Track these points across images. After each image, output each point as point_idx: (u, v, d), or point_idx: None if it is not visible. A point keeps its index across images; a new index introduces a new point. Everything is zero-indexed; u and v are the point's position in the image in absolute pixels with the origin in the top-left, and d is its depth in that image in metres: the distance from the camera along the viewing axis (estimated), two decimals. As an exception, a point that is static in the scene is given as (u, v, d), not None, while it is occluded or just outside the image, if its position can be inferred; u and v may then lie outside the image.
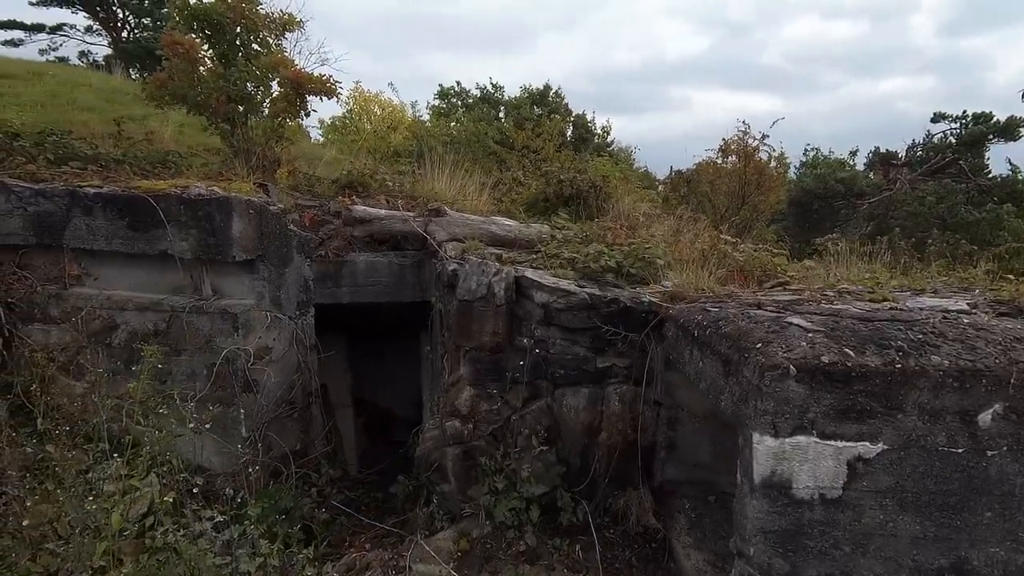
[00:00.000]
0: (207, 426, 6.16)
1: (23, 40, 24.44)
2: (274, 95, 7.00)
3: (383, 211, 6.55)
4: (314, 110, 6.93)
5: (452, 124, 22.26)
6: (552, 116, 24.61)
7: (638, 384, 4.53)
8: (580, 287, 4.60)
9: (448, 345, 4.99)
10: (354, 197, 6.80)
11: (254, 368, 6.10)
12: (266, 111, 7.44)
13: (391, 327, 10.10)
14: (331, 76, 6.92)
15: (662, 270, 4.87)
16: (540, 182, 7.40)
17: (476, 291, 4.61)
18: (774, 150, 12.99)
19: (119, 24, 24.44)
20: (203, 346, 6.03)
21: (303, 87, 6.74)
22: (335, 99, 7.08)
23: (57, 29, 23.77)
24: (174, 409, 6.10)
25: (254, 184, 6.86)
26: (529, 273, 4.69)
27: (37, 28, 23.86)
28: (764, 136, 12.59)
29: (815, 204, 15.95)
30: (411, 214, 6.54)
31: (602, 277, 4.95)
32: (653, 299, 4.41)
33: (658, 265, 4.85)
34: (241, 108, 7.12)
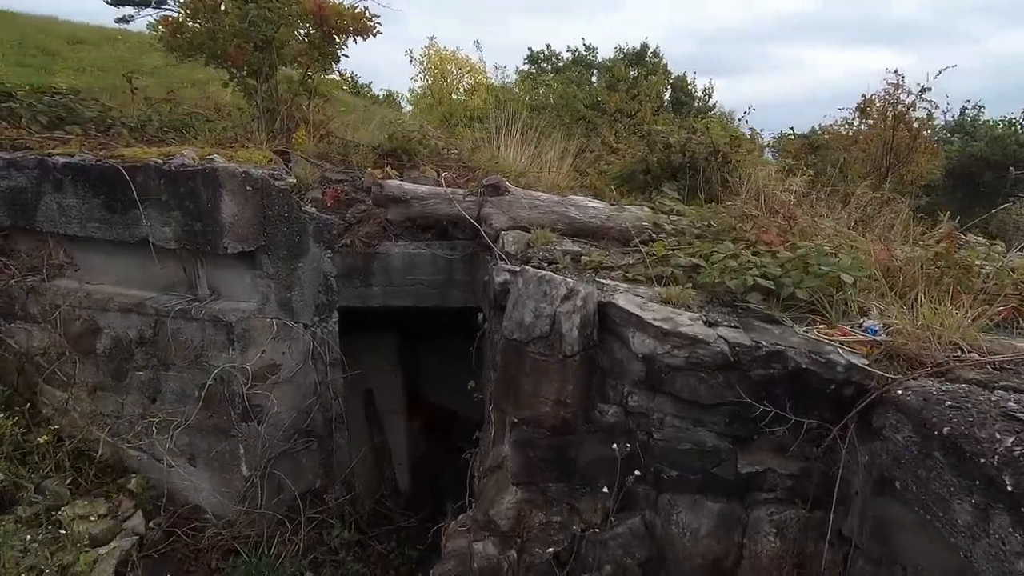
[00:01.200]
0: (196, 462, 4.74)
1: (132, 16, 24.61)
2: (299, 38, 5.28)
3: (424, 188, 4.74)
4: (345, 55, 5.13)
5: (540, 90, 20.04)
6: (649, 78, 21.76)
7: (816, 508, 2.47)
8: (709, 324, 2.55)
9: (491, 400, 3.13)
10: (389, 169, 5.01)
11: (255, 392, 4.54)
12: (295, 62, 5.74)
13: (443, 326, 8.41)
14: (366, 9, 5.09)
15: (854, 296, 2.70)
16: (640, 148, 5.26)
17: (532, 327, 2.69)
18: (936, 106, 9.82)
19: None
20: (192, 361, 4.54)
21: (328, 23, 4.98)
22: (371, 36, 5.25)
23: (162, 2, 23.65)
24: (165, 435, 4.70)
25: (273, 152, 5.23)
26: (622, 300, 2.70)
27: (143, 3, 23.86)
28: (924, 89, 9.47)
29: (985, 174, 12.40)
30: (459, 191, 4.67)
31: (743, 302, 2.85)
32: (858, 360, 2.30)
33: (847, 287, 2.68)
34: (262, 56, 5.45)
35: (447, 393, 9.98)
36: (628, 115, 14.76)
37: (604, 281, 3.15)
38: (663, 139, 5.18)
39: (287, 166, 5.14)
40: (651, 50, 24.99)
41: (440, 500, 7.62)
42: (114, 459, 4.89)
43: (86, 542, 4.44)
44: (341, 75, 5.98)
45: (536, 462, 2.67)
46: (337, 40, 5.27)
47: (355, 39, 5.36)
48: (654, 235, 4.04)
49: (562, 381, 2.61)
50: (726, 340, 2.45)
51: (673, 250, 3.46)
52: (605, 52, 25.11)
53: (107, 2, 17.68)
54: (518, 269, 3.09)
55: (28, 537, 4.25)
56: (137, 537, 4.57)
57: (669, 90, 23.76)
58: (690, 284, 3.10)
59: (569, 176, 5.40)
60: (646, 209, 4.68)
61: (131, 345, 4.70)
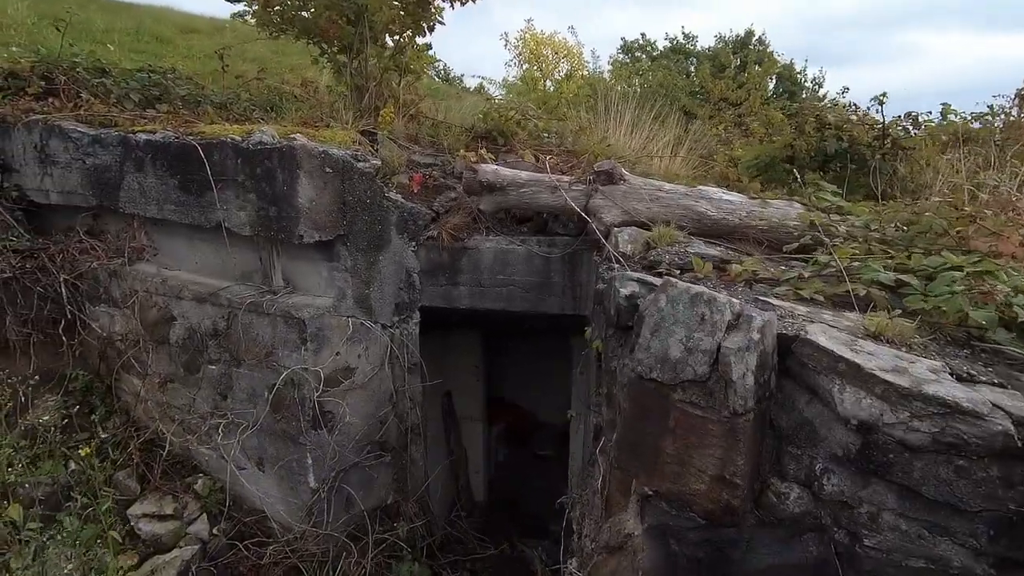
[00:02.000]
0: (264, 467, 4.29)
1: (247, 11, 25.54)
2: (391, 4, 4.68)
3: (523, 174, 4.00)
4: (440, 22, 4.47)
5: (635, 80, 18.81)
6: (755, 66, 19.96)
7: None
8: (961, 379, 1.61)
9: (609, 454, 2.33)
10: (483, 151, 4.31)
11: (327, 397, 4.01)
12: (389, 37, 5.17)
13: (533, 330, 7.68)
14: (465, -31, 4.40)
15: None
16: (785, 133, 4.23)
17: (681, 365, 1.87)
18: None
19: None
20: (263, 359, 4.06)
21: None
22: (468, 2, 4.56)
23: None
24: (235, 435, 4.29)
25: (359, 133, 4.68)
26: (819, 335, 1.82)
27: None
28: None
29: None
30: (565, 178, 3.89)
31: (985, 341, 1.89)
32: None
33: None
34: (354, 29, 4.92)
35: (529, 395, 9.29)
36: (734, 104, 13.39)
37: (772, 301, 2.27)
38: (813, 119, 4.13)
39: (373, 148, 4.57)
40: (756, 37, 23.04)
41: (518, 520, 6.96)
42: (183, 455, 4.54)
43: (151, 548, 4.11)
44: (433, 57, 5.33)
45: (682, 562, 1.86)
46: (432, 5, 4.63)
47: (452, 4, 4.69)
48: (821, 238, 3.07)
49: (728, 449, 1.78)
50: (1007, 412, 1.52)
51: (862, 260, 2.50)
52: (705, 41, 23.39)
53: (225, -2, 18.20)
54: (657, 281, 2.28)
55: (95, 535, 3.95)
56: (200, 544, 4.18)
57: (774, 80, 21.77)
58: (898, 312, 2.15)
59: (689, 164, 4.47)
60: (796, 205, 3.68)
61: (204, 337, 4.31)
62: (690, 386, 1.85)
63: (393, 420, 4.41)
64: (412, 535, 4.53)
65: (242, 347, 4.14)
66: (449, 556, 4.64)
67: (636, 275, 2.42)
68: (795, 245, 3.05)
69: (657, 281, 2.37)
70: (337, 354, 4.09)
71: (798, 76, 22.83)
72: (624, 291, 2.37)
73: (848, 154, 4.14)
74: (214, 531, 4.28)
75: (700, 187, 3.78)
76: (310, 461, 4.14)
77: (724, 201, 3.70)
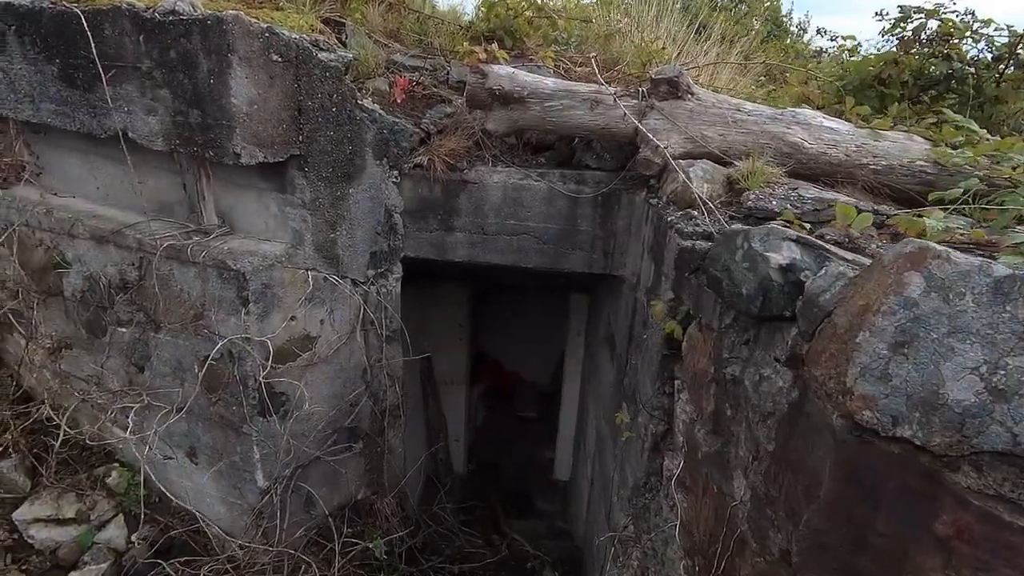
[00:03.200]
0: (197, 458, 3.28)
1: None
2: None
3: (548, 80, 2.90)
4: None
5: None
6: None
7: None
8: None
9: (739, 521, 1.40)
10: (496, 49, 3.15)
11: (279, 376, 2.97)
12: None
13: (531, 285, 6.69)
14: None
15: None
16: (886, 51, 3.18)
17: (981, 416, 0.92)
18: None
19: None
20: (189, 324, 2.96)
21: None
22: None
23: None
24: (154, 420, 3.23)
25: (322, 21, 3.42)
26: None
27: None
28: None
29: None
30: (610, 89, 2.80)
31: None
32: None
33: None
34: None
35: (513, 353, 8.41)
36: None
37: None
38: (942, 25, 3.11)
39: (339, 41, 3.34)
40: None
41: (500, 492, 6.19)
42: (91, 441, 3.46)
43: (47, 563, 3.09)
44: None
45: None
46: None
47: None
48: (971, 186, 2.12)
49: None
50: None
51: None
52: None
53: None
54: (834, 248, 1.31)
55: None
56: (112, 559, 3.18)
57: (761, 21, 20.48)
58: None
59: (756, 82, 3.43)
60: (918, 139, 2.72)
61: (109, 290, 3.15)
62: (1002, 464, 0.92)
63: (366, 402, 3.42)
64: (387, 529, 3.64)
65: (160, 306, 3.02)
66: (432, 559, 3.79)
67: (792, 234, 1.43)
68: (957, 192, 2.10)
69: (835, 248, 1.40)
70: (292, 319, 3.02)
71: (783, 19, 21.57)
72: (776, 259, 1.39)
73: (965, 78, 3.17)
74: (133, 539, 3.28)
75: (792, 109, 2.76)
76: (257, 455, 3.14)
77: (825, 129, 2.71)
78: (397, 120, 3.03)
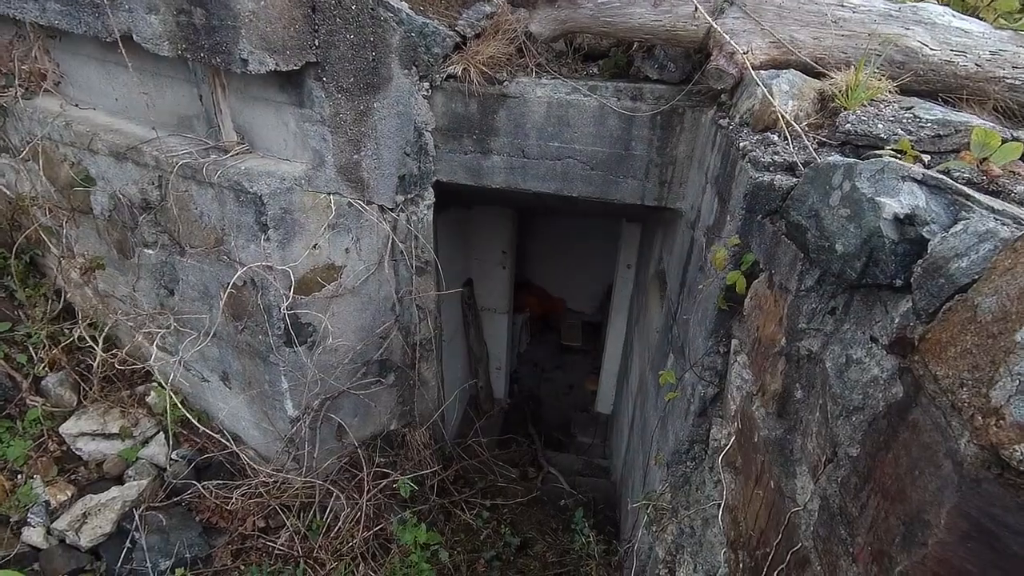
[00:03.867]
0: (230, 383, 3.26)
1: None
2: None
3: (606, -29, 2.41)
4: None
5: None
6: None
7: None
8: None
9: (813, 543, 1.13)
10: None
11: (302, 307, 2.83)
12: None
13: (579, 211, 6.29)
14: None
15: None
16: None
17: None
18: None
19: None
20: (211, 248, 2.83)
21: None
22: None
23: None
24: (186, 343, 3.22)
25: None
26: None
27: None
28: None
29: None
30: (680, -20, 2.30)
31: None
32: None
33: None
34: None
35: (558, 279, 8.14)
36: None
37: None
38: None
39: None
40: None
41: (540, 424, 6.14)
42: (131, 359, 3.51)
43: (94, 474, 3.22)
44: None
45: None
46: None
47: None
48: None
49: None
50: None
51: None
52: None
53: None
54: (975, 193, 0.93)
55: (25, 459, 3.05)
56: (154, 475, 3.29)
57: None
58: None
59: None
60: (1082, 44, 2.11)
61: (132, 209, 3.04)
62: None
63: (396, 335, 3.27)
64: (420, 464, 3.61)
65: (181, 228, 2.89)
66: (464, 491, 3.77)
67: (917, 171, 1.04)
68: None
69: (978, 195, 1.01)
70: (315, 247, 2.83)
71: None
72: (892, 206, 1.02)
73: None
74: (173, 456, 3.37)
75: (913, 2, 2.18)
76: (285, 385, 3.08)
77: (955, 30, 2.14)
78: (428, 21, 2.63)
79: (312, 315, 2.93)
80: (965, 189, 1.04)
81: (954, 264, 0.93)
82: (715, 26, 2.24)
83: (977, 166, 1.37)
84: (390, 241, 3.01)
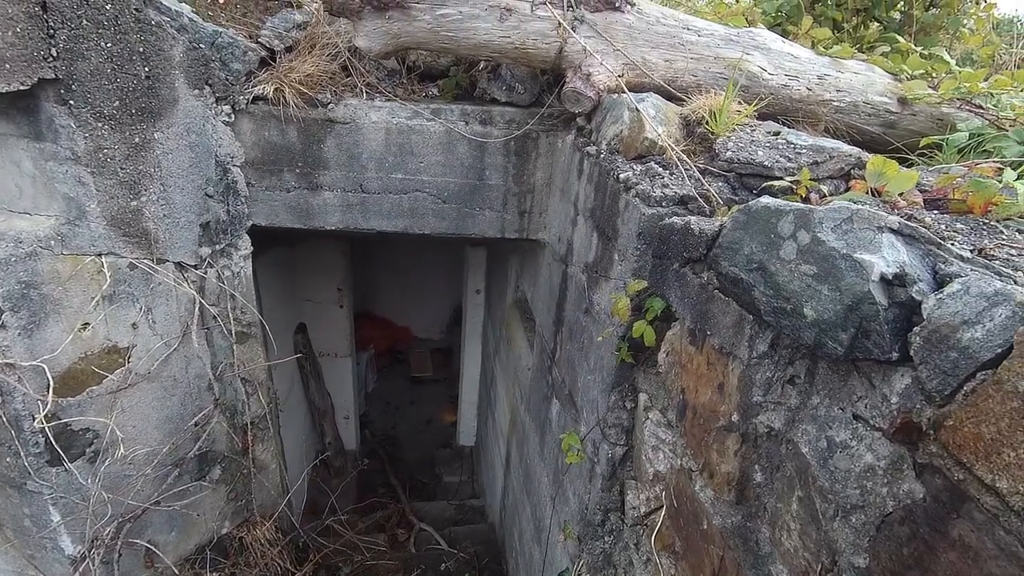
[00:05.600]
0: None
1: None
2: None
3: (443, -21, 2.09)
4: None
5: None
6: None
7: None
8: None
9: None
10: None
11: (71, 411, 2.02)
12: None
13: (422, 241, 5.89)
14: None
15: None
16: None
17: None
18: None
19: None
20: (-97, 350, 1.88)
21: None
22: None
23: None
24: None
25: None
26: None
27: None
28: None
29: None
30: (526, -5, 2.06)
31: None
32: None
33: None
34: None
35: (403, 308, 7.62)
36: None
37: None
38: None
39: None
40: None
41: (398, 469, 5.59)
42: None
43: None
44: None
45: None
46: None
47: None
48: (954, 133, 1.74)
49: None
50: None
51: None
52: None
53: None
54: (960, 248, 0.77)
55: None
56: None
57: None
58: None
59: None
60: (879, 71, 2.31)
61: None
62: None
63: (219, 420, 2.57)
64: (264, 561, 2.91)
65: None
66: (328, 583, 3.15)
67: (892, 221, 0.87)
68: (962, 137, 1.69)
69: (941, 240, 0.88)
70: (83, 328, 2.05)
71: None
72: (878, 266, 0.83)
73: (894, 2, 2.82)
74: None
75: (749, 29, 2.21)
76: (57, 518, 2.21)
77: (787, 56, 2.21)
78: (220, 30, 2.05)
79: (89, 419, 2.13)
80: (935, 238, 0.90)
81: (966, 334, 0.75)
82: (569, 45, 2.03)
83: (875, 197, 1.31)
84: (197, 306, 2.33)
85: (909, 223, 0.88)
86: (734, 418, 1.12)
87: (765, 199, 1.07)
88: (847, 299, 0.86)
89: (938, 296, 0.81)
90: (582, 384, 1.99)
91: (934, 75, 2.32)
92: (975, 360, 0.74)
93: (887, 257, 0.85)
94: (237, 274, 2.42)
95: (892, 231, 0.87)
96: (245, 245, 2.41)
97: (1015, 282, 0.81)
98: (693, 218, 1.30)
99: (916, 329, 0.81)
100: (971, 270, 0.85)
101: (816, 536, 0.95)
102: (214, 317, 2.40)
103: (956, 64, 2.37)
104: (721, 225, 1.18)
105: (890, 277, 0.84)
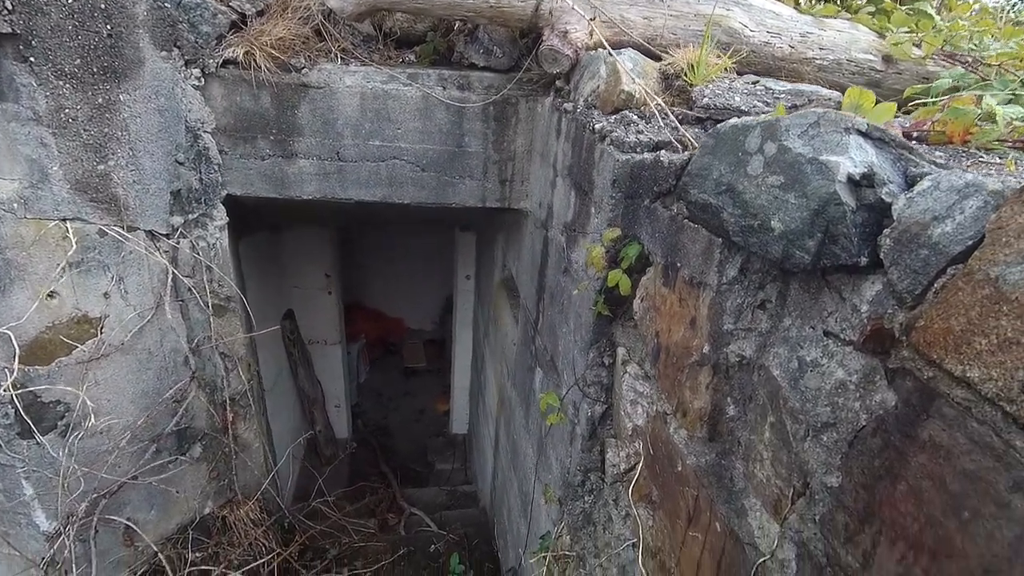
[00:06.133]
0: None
1: None
2: None
3: (415, -65, 2.04)
4: None
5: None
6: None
7: None
8: None
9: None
10: None
11: (42, 381, 1.97)
12: None
13: (409, 221, 5.88)
14: None
15: None
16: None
17: None
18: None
19: None
20: None
21: None
22: None
23: None
24: None
25: None
26: None
27: None
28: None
29: None
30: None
31: None
32: None
33: None
34: None
35: (393, 299, 7.57)
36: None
37: None
38: None
39: None
40: None
41: (392, 458, 5.54)
42: None
43: None
44: None
45: None
46: None
47: None
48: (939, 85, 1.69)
49: None
50: None
51: None
52: None
53: None
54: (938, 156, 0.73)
55: None
56: None
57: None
58: None
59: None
60: (863, 28, 2.27)
61: None
62: None
63: (197, 395, 2.52)
64: (251, 559, 2.86)
65: None
66: (316, 564, 3.10)
67: (860, 122, 0.82)
68: (945, 84, 1.65)
69: (917, 146, 0.84)
70: (50, 296, 2.00)
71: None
72: (844, 166, 0.78)
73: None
74: None
75: (728, -13, 2.17)
76: (29, 491, 2.16)
77: (768, 13, 2.16)
78: (189, -11, 2.00)
79: (60, 389, 2.08)
80: (907, 142, 0.85)
81: (936, 229, 0.71)
82: (540, 9, 1.98)
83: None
84: (170, 276, 2.28)
85: (879, 126, 0.84)
86: (705, 350, 1.08)
87: (733, 119, 1.03)
88: (813, 203, 0.82)
89: (908, 195, 0.77)
90: (563, 347, 1.95)
91: (919, 32, 2.28)
92: (945, 255, 0.70)
93: (854, 158, 0.80)
94: (212, 245, 2.36)
95: (860, 133, 0.83)
96: (220, 216, 2.36)
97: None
98: (663, 151, 1.25)
99: (886, 231, 0.77)
100: (959, 169, 0.81)
101: (787, 460, 0.91)
102: (189, 289, 2.35)
103: (940, 20, 2.32)
104: (690, 155, 1.13)
105: (857, 178, 0.79)
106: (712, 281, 1.04)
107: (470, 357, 5.35)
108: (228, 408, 2.68)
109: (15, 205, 1.89)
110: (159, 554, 2.52)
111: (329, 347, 5.17)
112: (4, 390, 1.91)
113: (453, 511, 4.08)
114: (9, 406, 2.02)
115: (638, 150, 1.47)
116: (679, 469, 1.19)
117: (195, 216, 2.29)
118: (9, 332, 1.90)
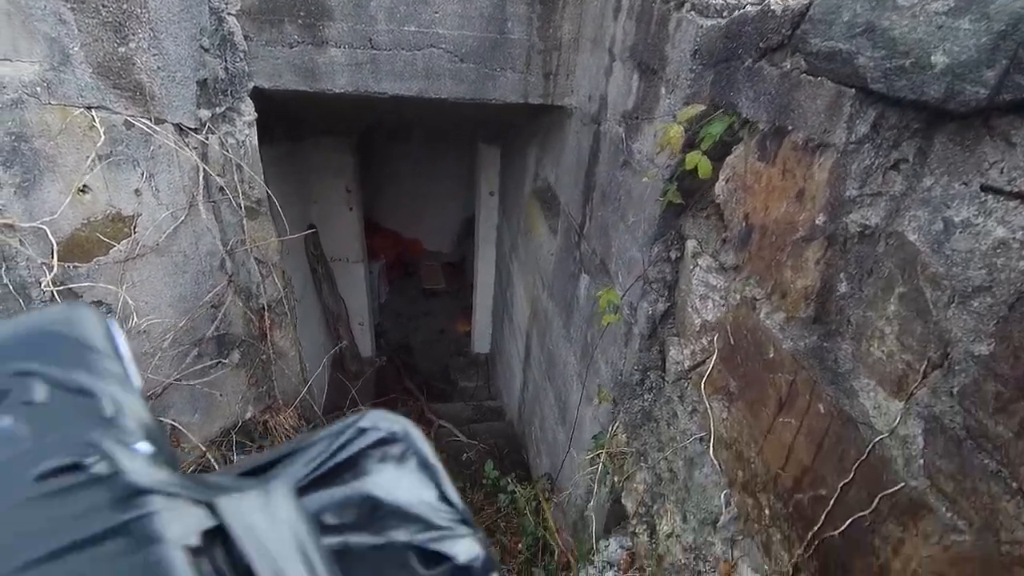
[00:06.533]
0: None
1: None
2: None
3: None
4: None
5: None
6: None
7: None
8: None
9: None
10: None
11: (79, 279, 1.93)
12: None
13: (427, 128, 5.67)
14: None
15: None
16: None
17: None
18: None
19: None
20: None
21: None
22: None
23: None
24: None
25: None
26: None
27: None
28: None
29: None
30: None
31: None
32: None
33: None
34: None
35: (411, 219, 7.45)
36: None
37: None
38: None
39: None
40: None
41: (416, 376, 5.63)
42: None
43: None
44: None
45: None
46: None
47: None
48: None
49: None
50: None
51: None
52: None
53: None
54: None
55: None
56: None
57: None
58: None
59: None
60: None
61: None
62: None
63: (234, 301, 2.49)
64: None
65: None
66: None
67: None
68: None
69: None
70: (83, 191, 1.92)
71: None
72: None
73: None
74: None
75: None
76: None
77: None
78: None
79: (100, 288, 2.04)
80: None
81: None
82: None
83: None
84: (201, 175, 2.18)
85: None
86: (819, 221, 0.98)
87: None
88: (997, 24, 0.68)
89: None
90: (617, 247, 1.86)
91: None
92: None
93: None
94: (242, 143, 2.24)
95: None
96: (248, 110, 2.22)
97: None
98: (734, 15, 1.10)
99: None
100: None
101: (922, 331, 0.83)
102: (220, 188, 2.25)
103: None
104: (807, 3, 0.98)
105: (1063, -12, 0.66)
106: (838, 140, 0.92)
107: (493, 275, 5.30)
108: (265, 315, 2.66)
109: (38, 89, 1.77)
110: (206, 453, 2.58)
111: (352, 264, 5.13)
112: (45, 286, 1.87)
113: (480, 424, 4.17)
114: (50, 303, 1.98)
115: (724, 13, 1.31)
116: (770, 356, 1.12)
117: (222, 110, 2.16)
118: (45, 227, 1.84)
